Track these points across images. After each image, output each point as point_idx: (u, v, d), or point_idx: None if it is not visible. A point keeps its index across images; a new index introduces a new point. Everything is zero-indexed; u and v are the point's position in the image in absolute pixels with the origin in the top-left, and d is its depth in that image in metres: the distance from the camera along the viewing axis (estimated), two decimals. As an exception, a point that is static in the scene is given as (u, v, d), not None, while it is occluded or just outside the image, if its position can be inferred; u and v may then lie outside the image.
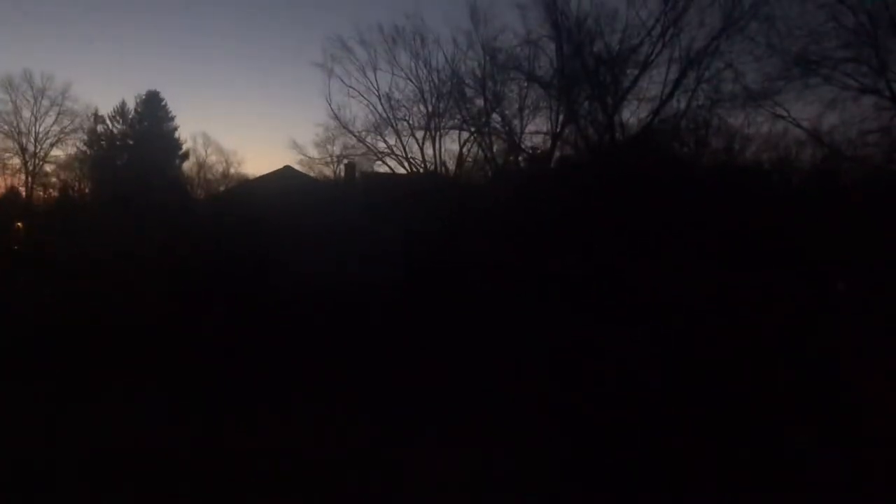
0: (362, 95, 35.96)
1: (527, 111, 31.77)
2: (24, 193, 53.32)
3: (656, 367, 14.95)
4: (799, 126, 25.12)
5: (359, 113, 37.52)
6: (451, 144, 35.01)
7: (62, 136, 54.99)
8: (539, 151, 31.94)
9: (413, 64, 34.63)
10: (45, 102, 54.25)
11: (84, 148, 56.30)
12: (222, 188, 56.01)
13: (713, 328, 16.89)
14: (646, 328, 16.74)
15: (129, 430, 11.62)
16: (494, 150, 33.00)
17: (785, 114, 24.97)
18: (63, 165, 55.38)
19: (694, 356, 15.32)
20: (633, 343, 15.94)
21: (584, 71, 28.93)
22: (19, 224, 40.57)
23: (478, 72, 32.47)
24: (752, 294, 18.46)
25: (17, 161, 53.79)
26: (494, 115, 32.36)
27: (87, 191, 53.58)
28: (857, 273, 18.66)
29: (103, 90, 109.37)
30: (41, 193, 53.84)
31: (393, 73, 35.29)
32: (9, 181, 53.37)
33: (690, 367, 14.80)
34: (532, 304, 19.76)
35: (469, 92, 33.04)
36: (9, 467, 10.01)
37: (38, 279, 23.87)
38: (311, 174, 42.68)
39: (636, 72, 28.45)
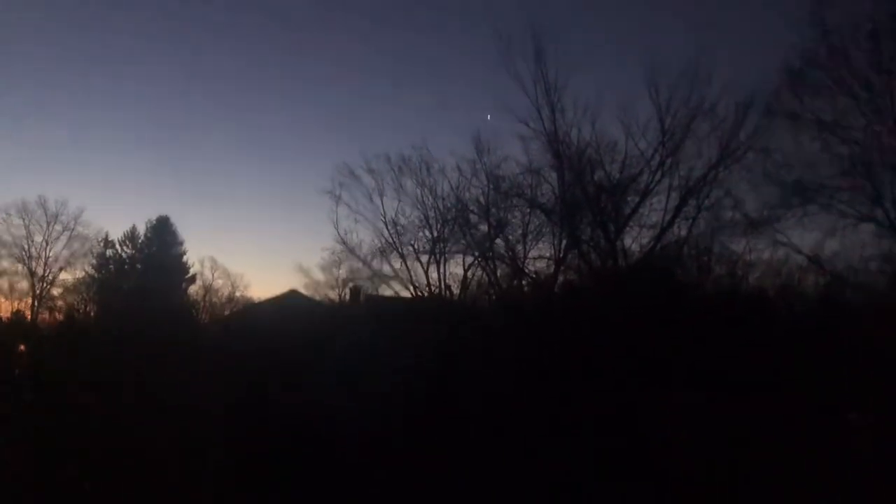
0: (369, 221, 36.51)
1: (530, 237, 32.20)
2: (29, 316, 53.48)
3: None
4: (800, 253, 25.28)
5: (365, 237, 37.75)
6: (456, 268, 35.15)
7: (72, 259, 55.82)
8: (542, 276, 32.12)
9: (419, 191, 35.32)
10: (58, 227, 55.39)
11: (92, 272, 56.92)
12: (227, 312, 56.10)
13: (715, 461, 16.42)
14: (648, 463, 16.25)
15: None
16: (498, 274, 33.23)
17: (786, 240, 25.12)
18: (70, 289, 55.82)
19: (693, 490, 14.81)
20: (636, 479, 15.46)
21: (586, 198, 29.47)
22: (22, 347, 40.47)
23: (482, 199, 33.15)
24: (758, 425, 18.03)
25: (25, 284, 54.38)
26: (498, 241, 32.78)
27: (92, 314, 53.67)
28: (869, 403, 18.27)
29: (115, 214, 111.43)
30: (46, 317, 53.98)
31: (399, 200, 35.91)
32: (15, 305, 53.67)
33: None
34: (533, 433, 19.30)
35: (473, 218, 33.60)
36: None
37: (37, 404, 23.59)
38: (317, 297, 42.85)
39: (637, 199, 28.95)
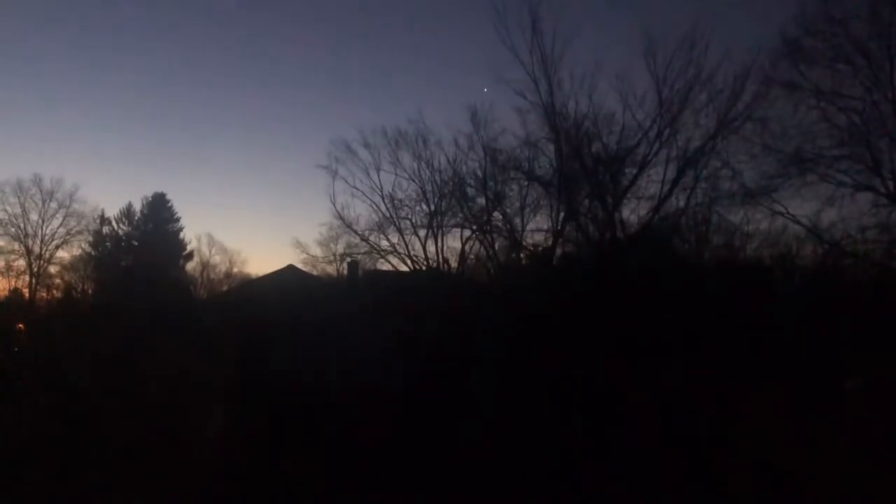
0: (366, 195, 36.45)
1: (528, 209, 32.19)
2: (27, 295, 53.51)
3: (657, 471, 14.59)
4: (798, 223, 25.42)
5: (362, 212, 37.60)
6: (454, 242, 35.14)
7: (68, 237, 55.81)
8: (541, 249, 32.13)
9: (416, 165, 35.23)
10: (53, 205, 55.40)
11: (89, 249, 56.91)
12: (225, 288, 56.15)
13: (713, 426, 16.54)
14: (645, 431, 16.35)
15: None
16: (496, 247, 33.25)
17: (783, 210, 25.29)
18: (67, 267, 55.84)
19: (693, 461, 14.93)
20: (633, 448, 15.56)
21: (584, 170, 29.41)
22: (21, 326, 40.47)
23: (479, 172, 33.06)
24: (755, 391, 18.15)
25: (22, 263, 54.38)
26: (496, 214, 32.82)
27: (90, 292, 53.72)
28: (866, 372, 18.38)
29: (111, 192, 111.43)
30: (44, 295, 54.04)
31: (396, 174, 35.80)
32: (13, 283, 53.71)
33: (692, 475, 14.41)
34: (531, 405, 19.40)
35: (470, 191, 33.57)
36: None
37: (37, 383, 23.61)
38: (315, 272, 42.79)
39: (634, 171, 28.82)
